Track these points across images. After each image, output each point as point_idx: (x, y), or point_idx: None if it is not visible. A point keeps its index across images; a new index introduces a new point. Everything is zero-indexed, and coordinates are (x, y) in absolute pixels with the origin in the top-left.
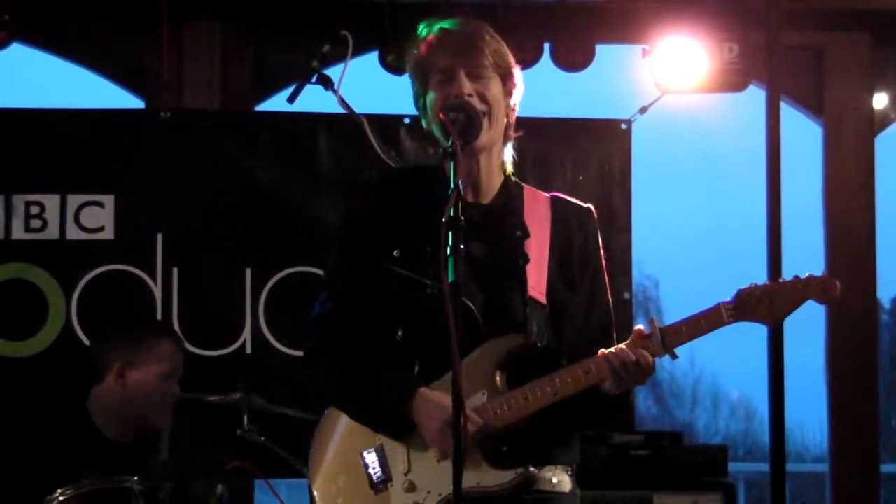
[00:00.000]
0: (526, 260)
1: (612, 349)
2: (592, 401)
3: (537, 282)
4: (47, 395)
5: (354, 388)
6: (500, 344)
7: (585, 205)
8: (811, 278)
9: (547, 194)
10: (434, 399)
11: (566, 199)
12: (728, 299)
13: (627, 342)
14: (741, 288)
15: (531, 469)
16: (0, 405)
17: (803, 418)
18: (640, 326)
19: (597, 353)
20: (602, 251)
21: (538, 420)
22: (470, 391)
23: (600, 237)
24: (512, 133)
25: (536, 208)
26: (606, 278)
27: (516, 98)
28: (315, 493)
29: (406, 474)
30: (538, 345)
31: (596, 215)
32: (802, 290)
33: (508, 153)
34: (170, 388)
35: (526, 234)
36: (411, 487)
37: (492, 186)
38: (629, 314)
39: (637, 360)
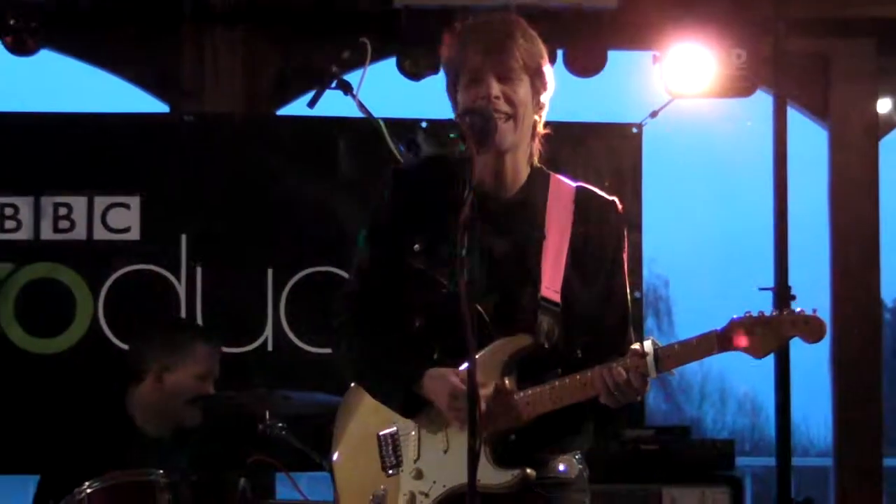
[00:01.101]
0: (539, 260)
1: (608, 367)
2: (594, 408)
3: (552, 280)
4: (75, 390)
5: (373, 364)
6: (507, 344)
7: (610, 197)
8: (802, 315)
9: (573, 185)
10: (441, 374)
11: (591, 191)
12: (720, 328)
13: (624, 360)
14: (734, 317)
15: (528, 471)
16: (30, 400)
17: (808, 414)
18: (636, 346)
19: (614, 347)
20: (625, 242)
21: (543, 419)
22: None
23: (625, 229)
24: (541, 129)
25: (560, 199)
26: (626, 270)
27: (547, 95)
28: (334, 468)
29: (415, 462)
30: (545, 346)
31: (620, 207)
32: (790, 327)
33: (536, 147)
34: (205, 389)
35: (542, 236)
36: (419, 475)
37: (517, 181)
38: (639, 313)
39: (629, 379)
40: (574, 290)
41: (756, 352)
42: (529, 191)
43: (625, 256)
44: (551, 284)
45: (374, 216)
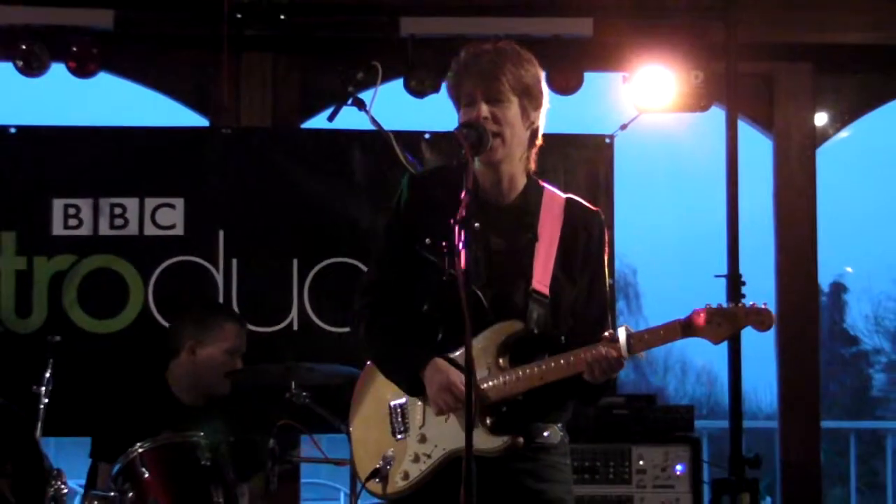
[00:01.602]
0: (531, 258)
1: (589, 349)
2: (576, 384)
3: (542, 275)
4: (128, 365)
5: (387, 349)
6: (502, 329)
7: (594, 208)
8: (755, 308)
9: (564, 196)
10: (439, 367)
11: (578, 202)
12: (684, 317)
13: (602, 342)
14: (697, 308)
15: (518, 438)
16: (89, 374)
17: (757, 383)
18: (610, 331)
19: (594, 335)
20: (606, 247)
21: (533, 393)
22: (475, 367)
23: (606, 235)
24: (537, 141)
25: (552, 209)
26: (606, 272)
27: (539, 112)
28: (351, 433)
29: (420, 428)
30: (535, 331)
31: (603, 218)
32: (744, 318)
33: (532, 158)
34: (233, 363)
35: (535, 238)
36: (423, 439)
37: (514, 189)
38: (613, 296)
39: (606, 357)
40: (561, 286)
41: (714, 338)
42: (525, 199)
43: (606, 259)
44: (541, 279)
45: (391, 215)
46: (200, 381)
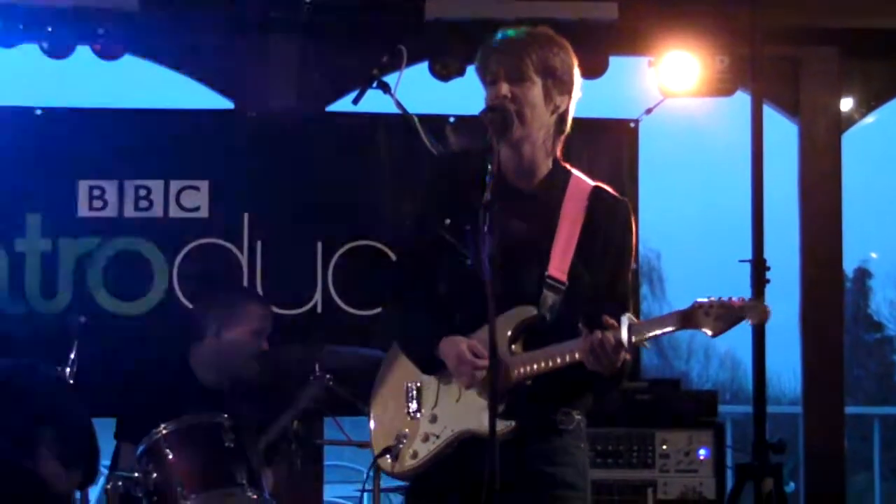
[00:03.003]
0: (550, 244)
1: (591, 335)
2: (584, 372)
3: (561, 262)
4: (153, 347)
5: (405, 329)
6: (514, 315)
7: (622, 198)
8: (751, 302)
9: (591, 184)
10: (452, 341)
11: (605, 191)
12: (685, 308)
13: (604, 331)
14: (698, 300)
15: (522, 423)
16: (113, 355)
17: (780, 368)
18: (611, 320)
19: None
20: (632, 238)
21: (543, 378)
22: (487, 353)
23: (632, 226)
24: (564, 128)
25: (577, 196)
26: (630, 262)
27: (566, 98)
28: (371, 412)
29: (433, 408)
30: (546, 318)
31: (630, 208)
32: (739, 311)
33: (558, 144)
34: (259, 344)
35: (556, 223)
36: (433, 419)
37: (537, 173)
38: (636, 281)
39: (605, 346)
40: (579, 274)
41: (712, 330)
42: (549, 184)
43: (632, 250)
44: (559, 266)
45: (417, 197)
46: (227, 363)
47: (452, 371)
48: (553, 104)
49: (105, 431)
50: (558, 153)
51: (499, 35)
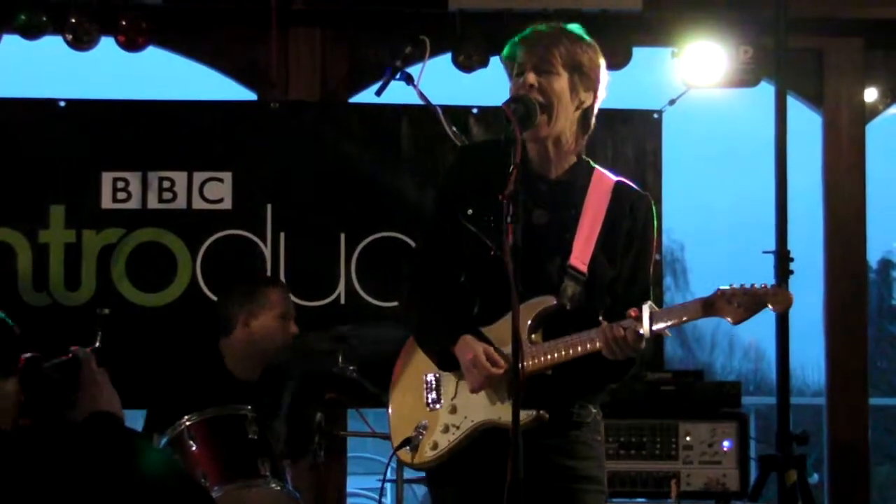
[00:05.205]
0: (573, 234)
1: (610, 324)
2: (600, 361)
3: (582, 252)
4: (176, 338)
5: (423, 322)
6: (534, 304)
7: (643, 193)
8: (774, 289)
9: (614, 179)
10: (468, 343)
11: (627, 186)
12: (708, 295)
13: (624, 320)
14: (720, 287)
15: (542, 412)
16: (138, 346)
17: (804, 359)
18: (634, 309)
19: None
20: (654, 232)
21: (562, 368)
22: (506, 341)
23: (654, 220)
24: (588, 124)
25: (599, 189)
26: (652, 256)
27: (591, 94)
28: (390, 402)
29: (452, 399)
30: (567, 307)
31: (652, 202)
32: (762, 297)
33: (582, 140)
34: (289, 327)
35: (578, 215)
36: (453, 410)
37: (561, 165)
38: (659, 272)
39: (625, 335)
40: (600, 265)
41: (733, 318)
42: (573, 175)
43: (653, 244)
44: (580, 256)
45: (442, 185)
46: (260, 351)
47: (465, 372)
48: (578, 99)
49: (133, 423)
50: (582, 151)
51: (528, 29)
